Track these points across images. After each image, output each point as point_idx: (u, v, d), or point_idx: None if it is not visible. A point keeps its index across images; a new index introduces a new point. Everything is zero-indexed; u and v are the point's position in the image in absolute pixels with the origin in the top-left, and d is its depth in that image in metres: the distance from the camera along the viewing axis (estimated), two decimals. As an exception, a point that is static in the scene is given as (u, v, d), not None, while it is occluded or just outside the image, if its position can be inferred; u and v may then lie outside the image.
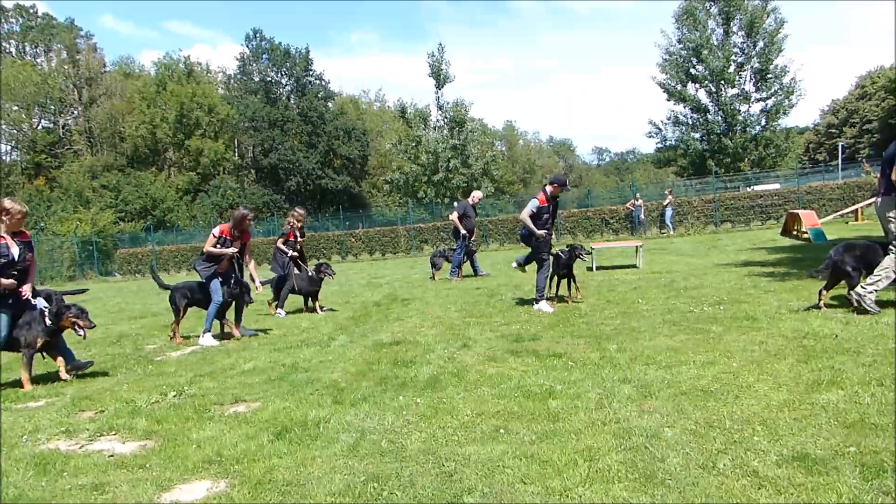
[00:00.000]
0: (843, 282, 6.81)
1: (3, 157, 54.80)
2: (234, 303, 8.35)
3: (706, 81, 40.45)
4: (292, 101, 56.78)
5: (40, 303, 6.43)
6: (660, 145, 44.97)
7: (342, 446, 3.89)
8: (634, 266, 13.15)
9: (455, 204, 15.44)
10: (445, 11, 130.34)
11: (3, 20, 56.22)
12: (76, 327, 6.49)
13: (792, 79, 38.98)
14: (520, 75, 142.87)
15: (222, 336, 8.33)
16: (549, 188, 8.53)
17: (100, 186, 45.98)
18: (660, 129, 43.72)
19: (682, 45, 40.99)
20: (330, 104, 59.37)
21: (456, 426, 4.10)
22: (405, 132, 46.09)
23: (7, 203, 6.15)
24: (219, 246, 8.15)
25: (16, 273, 6.22)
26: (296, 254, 10.36)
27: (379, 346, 6.89)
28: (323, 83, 58.82)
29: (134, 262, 32.30)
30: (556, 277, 9.07)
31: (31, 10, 58.08)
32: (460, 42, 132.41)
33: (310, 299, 10.43)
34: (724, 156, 39.96)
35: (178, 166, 53.49)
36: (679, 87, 41.34)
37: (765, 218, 25.46)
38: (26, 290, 6.30)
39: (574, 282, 9.13)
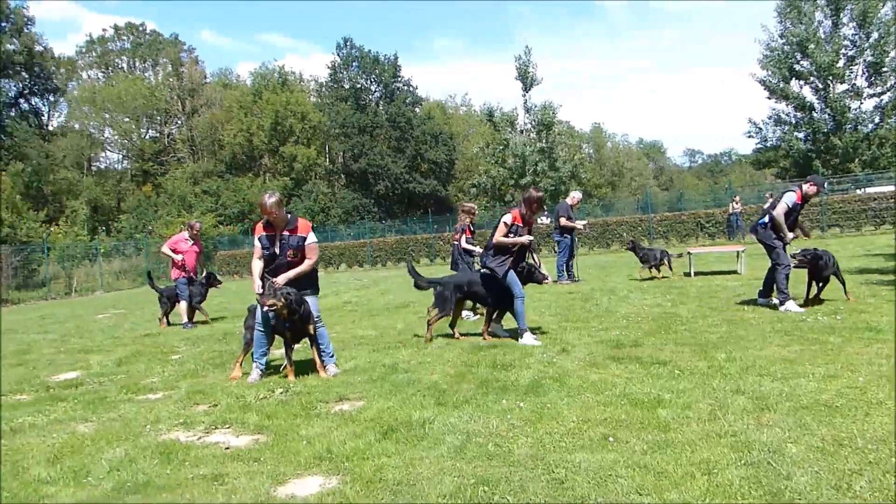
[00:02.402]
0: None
1: (116, 166, 58.71)
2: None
3: (812, 77, 38.22)
4: (381, 107, 57.90)
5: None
6: (759, 146, 42.84)
7: (448, 448, 3.90)
8: (735, 272, 12.60)
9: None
10: (531, 15, 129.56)
11: (116, 38, 60.26)
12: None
13: (910, 71, 36.22)
14: (607, 76, 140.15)
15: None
16: (806, 186, 8.15)
17: (201, 191, 48.41)
18: (760, 129, 41.73)
19: (784, 40, 38.91)
20: (417, 109, 60.16)
21: (562, 432, 4.04)
22: (492, 136, 46.10)
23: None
24: (511, 235, 7.30)
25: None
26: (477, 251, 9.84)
27: (476, 348, 6.89)
28: (411, 89, 59.71)
29: (233, 263, 33.75)
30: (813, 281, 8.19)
31: (141, 28, 61.88)
32: (547, 44, 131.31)
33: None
34: (831, 156, 37.64)
35: (272, 172, 55.55)
36: (782, 84, 39.24)
37: (878, 222, 23.81)
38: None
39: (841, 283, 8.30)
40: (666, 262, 12.72)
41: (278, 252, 6.21)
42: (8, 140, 44.68)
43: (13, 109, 51.11)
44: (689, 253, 13.27)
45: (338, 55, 58.45)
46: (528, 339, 6.99)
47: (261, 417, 4.85)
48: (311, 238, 6.27)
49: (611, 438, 3.85)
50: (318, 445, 4.12)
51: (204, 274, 11.74)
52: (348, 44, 58.15)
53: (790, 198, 8.03)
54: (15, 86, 51.87)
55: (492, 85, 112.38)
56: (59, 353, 9.10)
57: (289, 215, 6.28)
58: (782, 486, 3.06)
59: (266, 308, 5.96)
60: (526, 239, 7.30)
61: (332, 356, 6.41)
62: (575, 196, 14.11)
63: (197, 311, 11.33)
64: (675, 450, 3.60)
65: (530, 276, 7.50)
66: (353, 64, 57.96)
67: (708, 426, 3.95)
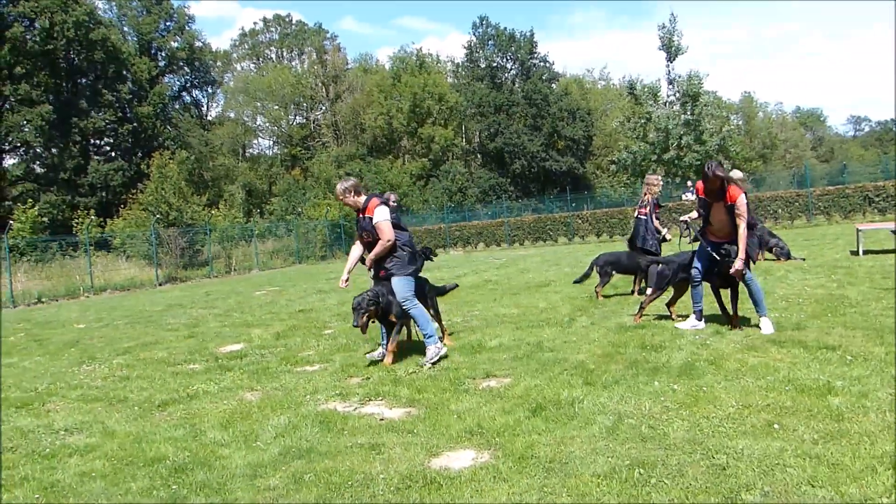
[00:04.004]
0: None
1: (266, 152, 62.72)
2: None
3: None
4: (517, 85, 57.47)
5: None
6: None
7: (600, 428, 3.85)
8: (914, 250, 11.35)
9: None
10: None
11: (265, 30, 64.09)
12: None
13: None
14: (758, 42, 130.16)
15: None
16: None
17: (344, 174, 50.52)
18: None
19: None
20: (554, 85, 59.10)
21: (721, 417, 3.85)
22: (632, 109, 44.36)
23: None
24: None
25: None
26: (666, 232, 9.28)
27: (623, 328, 6.73)
28: (547, 65, 58.76)
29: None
30: None
31: (287, 19, 65.32)
32: (692, 11, 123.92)
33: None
34: None
35: (411, 153, 56.92)
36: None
37: None
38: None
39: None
40: (775, 250, 11.60)
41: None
42: (174, 130, 48.95)
43: (177, 102, 55.90)
44: (858, 230, 12.11)
45: (474, 35, 58.64)
46: (767, 325, 6.10)
47: (412, 391, 5.03)
48: (377, 217, 6.04)
49: (776, 426, 3.63)
50: (468, 420, 4.21)
51: (420, 247, 12.06)
52: (484, 23, 58.12)
53: None
54: (178, 80, 56.73)
55: (632, 57, 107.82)
56: (224, 327, 9.91)
57: (363, 198, 6.24)
58: (985, 488, 2.74)
59: (360, 329, 6.03)
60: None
61: (431, 337, 6.02)
62: (736, 174, 12.77)
63: None
64: (852, 441, 3.34)
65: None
66: (489, 43, 57.87)
67: (888, 417, 3.62)
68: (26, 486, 3.78)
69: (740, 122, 68.53)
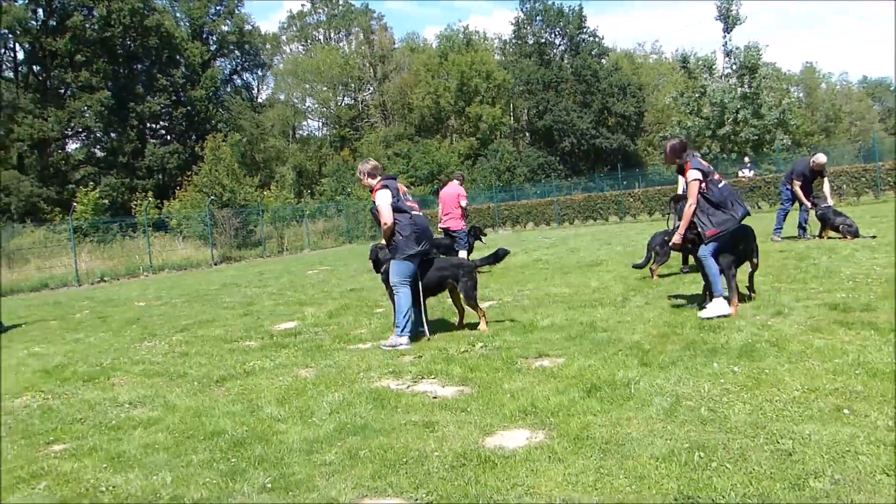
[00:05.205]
0: None
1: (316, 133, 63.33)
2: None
3: None
4: (566, 61, 56.46)
5: None
6: None
7: (657, 409, 3.76)
8: None
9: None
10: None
11: (313, 12, 64.40)
12: None
13: None
14: (820, 10, 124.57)
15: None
16: None
17: (393, 154, 50.68)
18: None
19: None
20: (603, 61, 57.85)
21: (785, 400, 3.72)
22: (686, 84, 43.12)
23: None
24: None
25: None
26: None
27: (677, 309, 6.56)
28: (596, 40, 57.49)
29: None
30: None
31: (334, 0, 65.39)
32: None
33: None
34: None
35: (459, 133, 56.68)
36: None
37: None
38: None
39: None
40: (842, 228, 11.05)
41: None
42: (226, 114, 49.85)
43: (228, 85, 56.83)
44: None
45: (521, 10, 57.75)
46: (713, 307, 6.03)
47: (464, 370, 5.02)
48: (377, 200, 6.18)
49: (846, 411, 3.48)
50: (521, 399, 4.17)
51: (469, 227, 12.07)
52: (532, -2, 57.15)
53: None
54: (229, 64, 57.68)
55: (686, 29, 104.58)
56: (278, 306, 10.08)
57: (375, 180, 6.30)
58: None
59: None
60: None
61: (398, 328, 6.16)
62: (820, 158, 11.70)
63: None
64: (931, 429, 3.17)
65: None
66: (537, 18, 56.93)
67: (972, 405, 3.43)
68: (95, 455, 3.92)
69: (801, 95, 65.92)
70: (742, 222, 6.21)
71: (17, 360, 7.40)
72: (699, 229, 6.12)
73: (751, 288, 6.69)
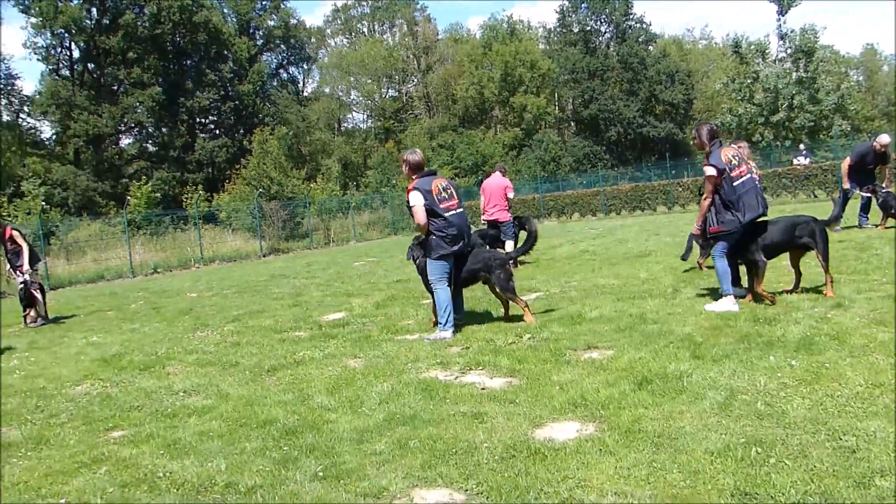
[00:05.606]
0: None
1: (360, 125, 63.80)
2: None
3: None
4: (612, 49, 55.51)
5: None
6: None
7: (711, 403, 3.68)
8: None
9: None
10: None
11: (357, 4, 64.72)
12: None
13: None
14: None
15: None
16: None
17: (437, 146, 50.74)
18: None
19: None
20: (651, 48, 56.69)
21: (847, 396, 3.59)
22: (737, 69, 41.95)
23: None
24: None
25: None
26: None
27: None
28: (644, 26, 56.31)
29: (468, 214, 35.16)
30: None
31: (377, -8, 65.66)
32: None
33: None
34: None
35: (503, 123, 56.38)
36: None
37: None
38: None
39: None
40: None
41: None
42: (272, 107, 50.61)
43: (275, 79, 57.64)
44: None
45: (566, -2, 56.94)
46: (719, 304, 6.08)
47: (512, 361, 4.99)
48: (410, 202, 6.24)
49: (913, 407, 3.34)
50: (571, 391, 4.13)
51: (514, 217, 11.99)
52: (577, -15, 56.30)
53: None
54: (276, 58, 58.46)
55: (738, 12, 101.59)
56: (325, 296, 10.21)
57: (414, 178, 6.32)
58: None
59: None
60: None
61: (441, 323, 6.22)
62: (882, 140, 11.23)
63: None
64: None
65: None
66: (583, 6, 56.02)
67: None
68: (152, 442, 4.03)
69: (860, 78, 63.43)
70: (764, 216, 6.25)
71: (77, 350, 7.68)
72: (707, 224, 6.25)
73: (750, 289, 6.34)
